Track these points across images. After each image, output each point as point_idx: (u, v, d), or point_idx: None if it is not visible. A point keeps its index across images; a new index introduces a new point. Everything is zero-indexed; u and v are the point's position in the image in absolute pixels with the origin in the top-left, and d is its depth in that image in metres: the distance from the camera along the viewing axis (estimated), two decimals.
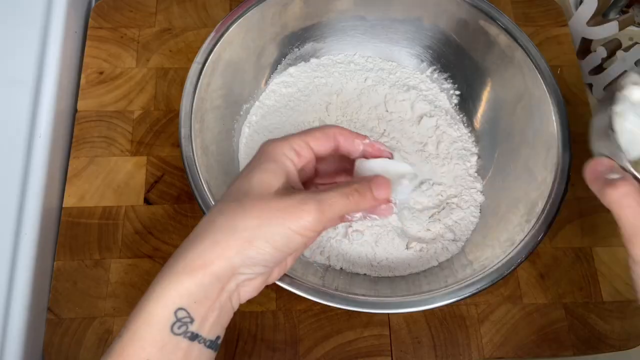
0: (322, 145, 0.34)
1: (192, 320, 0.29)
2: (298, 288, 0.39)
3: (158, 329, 0.28)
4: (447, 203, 0.50)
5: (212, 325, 0.30)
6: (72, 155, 0.52)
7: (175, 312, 0.28)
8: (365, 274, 0.46)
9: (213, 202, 0.41)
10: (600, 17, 0.58)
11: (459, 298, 0.40)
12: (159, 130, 0.54)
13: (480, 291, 0.40)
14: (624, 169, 0.33)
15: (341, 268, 0.46)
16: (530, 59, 0.47)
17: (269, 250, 0.29)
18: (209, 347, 0.30)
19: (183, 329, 0.28)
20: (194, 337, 0.29)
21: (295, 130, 0.42)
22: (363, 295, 0.40)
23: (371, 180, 0.33)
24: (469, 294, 0.40)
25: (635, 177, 0.33)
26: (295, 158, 0.33)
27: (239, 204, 0.30)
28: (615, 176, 0.32)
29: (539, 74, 0.47)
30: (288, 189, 0.31)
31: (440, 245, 0.48)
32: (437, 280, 0.44)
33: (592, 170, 0.34)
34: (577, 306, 0.49)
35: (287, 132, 0.50)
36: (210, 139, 0.46)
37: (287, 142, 0.33)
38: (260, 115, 0.53)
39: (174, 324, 0.28)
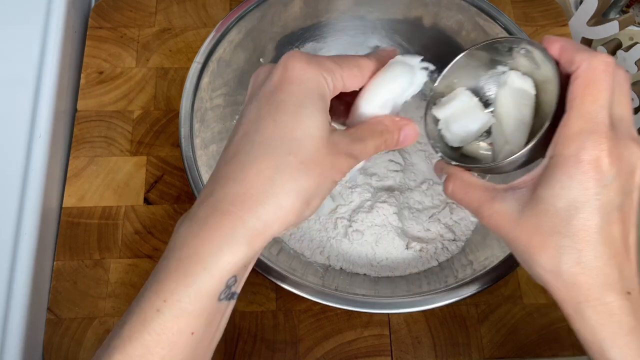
0: (352, 84, 0.30)
1: (236, 282, 0.27)
2: (298, 288, 0.39)
3: (207, 300, 0.26)
4: (447, 203, 0.49)
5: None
6: (72, 155, 0.52)
7: (227, 281, 0.26)
8: (365, 274, 0.46)
9: None
10: (600, 16, 0.57)
11: (459, 298, 0.40)
12: (159, 130, 0.54)
13: (480, 291, 0.40)
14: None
15: (341, 268, 0.46)
16: None
17: (319, 205, 0.28)
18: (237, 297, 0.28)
19: (227, 293, 0.26)
20: (233, 295, 0.27)
21: None
22: (363, 295, 0.40)
23: (400, 123, 0.33)
24: (469, 294, 0.40)
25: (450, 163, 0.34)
26: (332, 92, 0.29)
27: (298, 161, 0.26)
28: (443, 177, 0.34)
29: None
30: (329, 129, 0.28)
31: (440, 245, 0.48)
32: (437, 280, 0.44)
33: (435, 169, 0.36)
34: None
35: None
36: (210, 139, 0.46)
37: (327, 72, 0.28)
38: None
39: (222, 292, 0.26)
